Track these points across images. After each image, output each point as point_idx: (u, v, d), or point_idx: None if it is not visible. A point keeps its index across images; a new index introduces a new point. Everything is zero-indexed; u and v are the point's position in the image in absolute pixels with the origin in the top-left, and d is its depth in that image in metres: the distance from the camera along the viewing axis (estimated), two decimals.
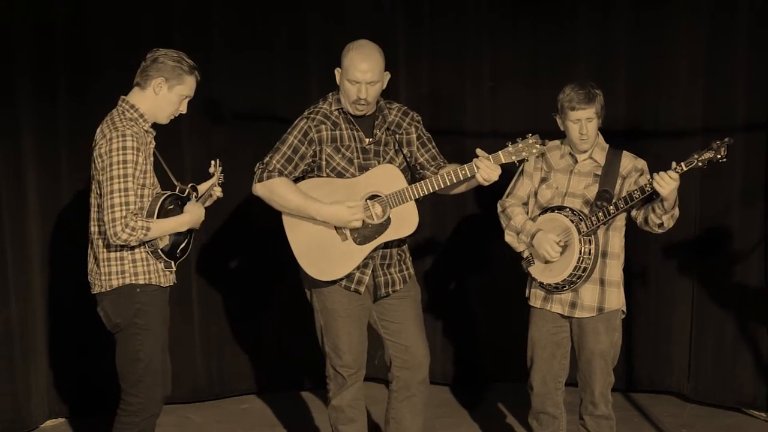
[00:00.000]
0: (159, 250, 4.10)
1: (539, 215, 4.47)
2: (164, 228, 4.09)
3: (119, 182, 3.97)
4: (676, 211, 4.34)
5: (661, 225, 4.35)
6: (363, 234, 4.34)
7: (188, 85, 4.16)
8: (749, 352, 5.66)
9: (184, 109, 4.23)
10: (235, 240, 6.03)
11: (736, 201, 5.64)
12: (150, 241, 4.08)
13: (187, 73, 4.13)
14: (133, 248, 4.09)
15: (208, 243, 5.93)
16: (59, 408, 5.69)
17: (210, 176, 4.42)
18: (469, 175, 4.26)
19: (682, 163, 4.18)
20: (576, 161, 4.49)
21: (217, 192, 4.40)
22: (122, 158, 3.98)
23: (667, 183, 4.15)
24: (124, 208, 3.96)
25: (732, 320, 5.68)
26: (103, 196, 4.01)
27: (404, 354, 4.52)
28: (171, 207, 4.15)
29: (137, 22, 5.58)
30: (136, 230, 3.97)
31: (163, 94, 4.12)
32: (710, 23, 5.64)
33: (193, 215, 4.19)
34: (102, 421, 5.08)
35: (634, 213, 4.42)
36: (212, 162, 4.43)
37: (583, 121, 4.38)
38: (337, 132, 4.40)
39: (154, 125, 4.24)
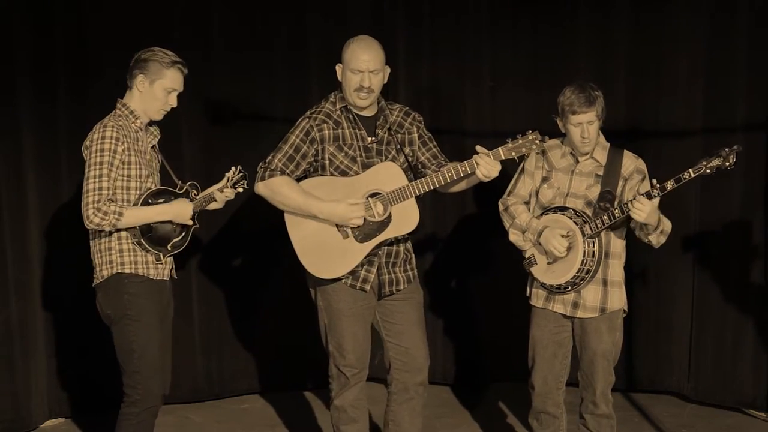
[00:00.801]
0: (143, 241, 4.13)
1: (541, 215, 4.47)
2: (140, 215, 4.14)
3: (94, 169, 4.08)
4: (666, 227, 4.35)
5: (650, 243, 4.38)
6: (364, 232, 4.35)
7: (170, 79, 4.22)
8: (749, 352, 5.66)
9: (173, 103, 4.28)
10: (236, 239, 6.03)
11: (736, 201, 5.64)
12: (130, 230, 4.13)
13: (166, 66, 4.20)
14: (120, 239, 4.15)
15: (209, 242, 5.93)
16: (59, 408, 5.69)
17: (214, 175, 4.42)
18: (469, 172, 4.27)
19: (690, 170, 4.17)
20: (577, 161, 4.48)
21: (228, 194, 4.39)
22: (100, 147, 4.09)
23: (641, 209, 4.17)
24: (96, 193, 4.05)
25: (732, 320, 5.69)
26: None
27: (404, 356, 4.53)
28: (161, 201, 4.20)
29: (137, 22, 5.57)
30: (108, 215, 4.05)
31: (146, 91, 4.21)
32: (710, 23, 5.65)
33: (173, 207, 4.21)
34: (102, 421, 5.09)
35: (633, 224, 4.42)
36: (233, 168, 4.43)
37: (584, 124, 4.37)
38: (340, 131, 4.41)
39: (157, 123, 4.28)
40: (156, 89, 4.20)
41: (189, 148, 5.87)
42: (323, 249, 4.37)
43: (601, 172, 4.44)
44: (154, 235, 4.18)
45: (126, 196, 4.13)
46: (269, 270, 6.03)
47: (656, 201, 4.20)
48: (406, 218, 4.36)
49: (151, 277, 4.21)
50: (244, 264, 6.13)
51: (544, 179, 4.52)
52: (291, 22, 6.06)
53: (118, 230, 4.14)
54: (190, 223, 4.25)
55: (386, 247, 4.44)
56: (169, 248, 4.23)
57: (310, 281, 4.51)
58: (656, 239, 4.37)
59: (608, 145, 4.50)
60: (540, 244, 4.42)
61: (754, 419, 5.64)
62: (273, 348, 6.17)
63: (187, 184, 4.32)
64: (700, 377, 5.86)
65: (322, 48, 5.97)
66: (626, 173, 4.44)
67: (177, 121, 5.68)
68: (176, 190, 4.27)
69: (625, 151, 4.49)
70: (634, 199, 4.21)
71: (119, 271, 4.16)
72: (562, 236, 4.36)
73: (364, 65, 4.32)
